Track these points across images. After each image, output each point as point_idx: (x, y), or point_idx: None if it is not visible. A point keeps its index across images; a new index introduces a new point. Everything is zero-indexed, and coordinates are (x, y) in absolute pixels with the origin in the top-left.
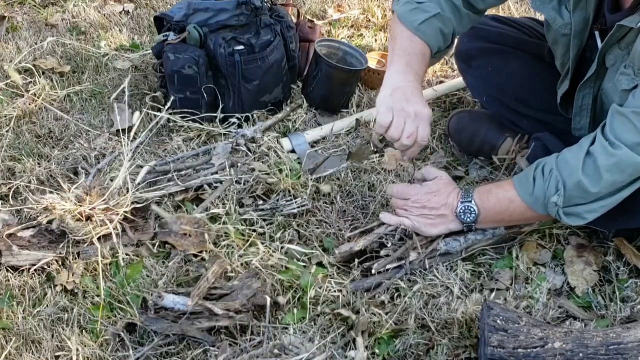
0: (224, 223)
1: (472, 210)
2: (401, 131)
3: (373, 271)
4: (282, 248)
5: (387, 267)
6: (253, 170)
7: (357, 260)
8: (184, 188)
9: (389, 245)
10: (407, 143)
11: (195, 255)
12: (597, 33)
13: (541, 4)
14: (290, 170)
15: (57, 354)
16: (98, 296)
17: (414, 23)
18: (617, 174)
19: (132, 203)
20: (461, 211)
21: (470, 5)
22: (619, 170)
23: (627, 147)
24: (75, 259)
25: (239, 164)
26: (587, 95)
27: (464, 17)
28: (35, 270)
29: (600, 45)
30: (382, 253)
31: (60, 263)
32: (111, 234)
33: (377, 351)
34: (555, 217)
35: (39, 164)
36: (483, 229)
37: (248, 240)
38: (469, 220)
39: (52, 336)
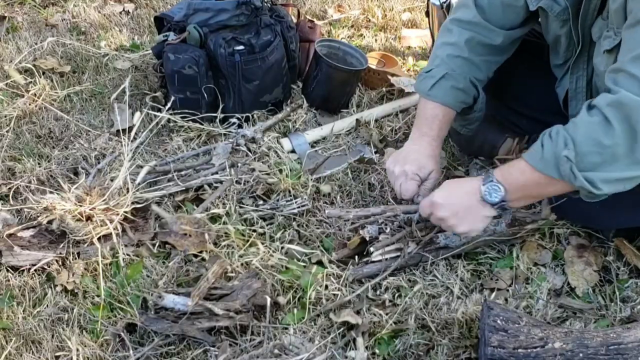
0: (224, 223)
1: (497, 188)
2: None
3: (372, 249)
4: (282, 248)
5: (385, 255)
6: (253, 170)
7: (356, 257)
8: (184, 188)
9: (387, 230)
10: (399, 197)
11: (195, 255)
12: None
13: (536, 1)
14: (290, 170)
15: (57, 354)
16: (98, 296)
17: (425, 90)
18: (625, 121)
19: (132, 203)
20: (486, 192)
21: (486, 46)
22: (625, 114)
23: (625, 89)
24: (75, 259)
25: (239, 164)
26: (581, 77)
27: (482, 64)
28: (35, 270)
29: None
30: (381, 238)
31: (60, 263)
32: (111, 234)
33: (377, 351)
34: (570, 180)
35: (39, 164)
36: (513, 208)
37: (248, 240)
38: (496, 199)
39: (52, 336)
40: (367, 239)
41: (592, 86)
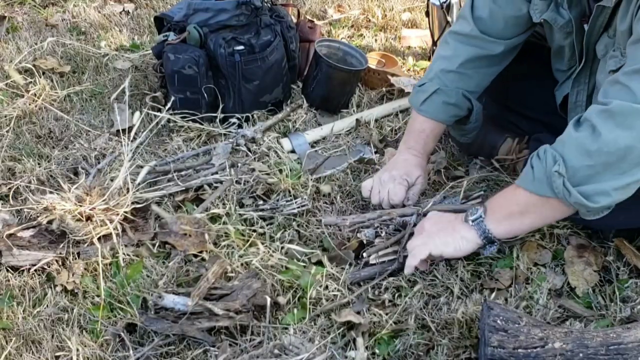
0: (224, 223)
1: (477, 208)
2: (377, 197)
3: (365, 255)
4: (282, 248)
5: (382, 258)
6: (253, 170)
7: (353, 261)
8: (184, 188)
9: (383, 234)
10: (385, 206)
11: (195, 255)
12: (585, 26)
13: (540, 13)
14: (290, 170)
15: (57, 354)
16: (98, 296)
17: (417, 104)
18: (616, 128)
19: (132, 203)
20: (468, 212)
21: (483, 58)
22: (615, 121)
23: (617, 99)
24: (75, 259)
25: (239, 164)
26: (581, 91)
27: (475, 76)
28: (35, 270)
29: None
30: (376, 242)
31: (60, 263)
32: (111, 234)
33: (377, 351)
34: (565, 197)
35: (39, 164)
36: (499, 239)
37: (248, 240)
38: (474, 216)
39: (52, 336)
40: (365, 241)
41: (593, 101)
